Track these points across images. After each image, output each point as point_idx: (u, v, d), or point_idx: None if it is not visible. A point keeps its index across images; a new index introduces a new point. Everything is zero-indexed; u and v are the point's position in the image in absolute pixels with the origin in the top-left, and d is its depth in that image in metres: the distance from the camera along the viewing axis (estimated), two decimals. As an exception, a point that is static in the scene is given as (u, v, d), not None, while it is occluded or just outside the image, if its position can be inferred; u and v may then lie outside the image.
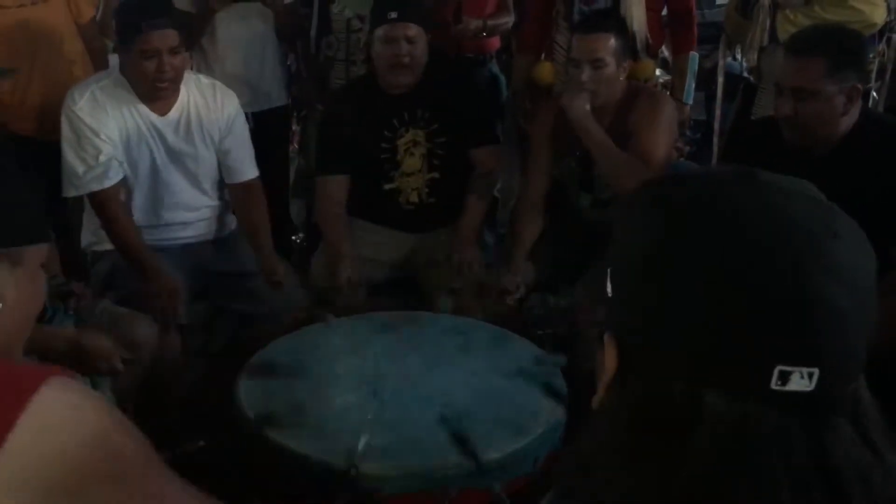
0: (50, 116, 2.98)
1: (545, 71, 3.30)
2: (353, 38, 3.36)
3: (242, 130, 2.91)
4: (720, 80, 3.99)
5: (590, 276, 2.64)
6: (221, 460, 2.20)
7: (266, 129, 3.33)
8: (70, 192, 2.71)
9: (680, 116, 3.14)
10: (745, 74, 3.60)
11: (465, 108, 3.03)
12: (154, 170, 2.78)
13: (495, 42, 3.61)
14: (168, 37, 2.57)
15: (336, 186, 3.03)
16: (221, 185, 2.93)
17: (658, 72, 3.58)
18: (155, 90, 2.66)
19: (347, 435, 1.92)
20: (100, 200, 2.68)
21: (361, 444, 1.85)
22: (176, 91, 2.73)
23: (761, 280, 0.67)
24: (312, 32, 3.45)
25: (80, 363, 2.12)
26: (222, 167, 2.89)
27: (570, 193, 2.97)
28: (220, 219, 2.98)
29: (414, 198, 3.08)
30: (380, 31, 2.88)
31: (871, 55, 3.21)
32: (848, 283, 0.68)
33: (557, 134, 2.89)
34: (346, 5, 3.33)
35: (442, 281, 2.94)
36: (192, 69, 3.10)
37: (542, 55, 3.39)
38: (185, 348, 2.70)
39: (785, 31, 3.10)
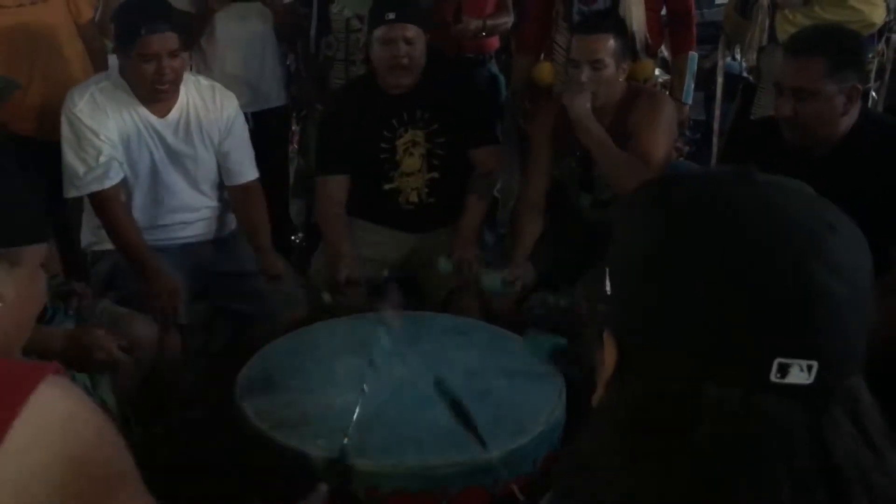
0: (50, 116, 2.98)
1: (545, 71, 3.30)
2: (353, 38, 3.36)
3: (242, 132, 2.91)
4: (719, 80, 3.99)
5: (590, 276, 2.65)
6: (221, 460, 2.20)
7: (265, 129, 3.34)
8: (71, 193, 2.71)
9: (679, 116, 3.14)
10: (745, 74, 3.61)
11: (465, 108, 3.02)
12: (153, 171, 2.78)
13: (495, 42, 3.61)
14: (167, 40, 2.57)
15: (336, 186, 3.03)
16: (221, 186, 2.93)
17: (657, 72, 3.58)
18: (154, 93, 2.66)
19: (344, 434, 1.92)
20: (100, 201, 2.68)
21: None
22: (176, 93, 2.73)
23: (762, 279, 0.68)
24: (312, 32, 3.45)
25: (78, 359, 2.12)
26: (222, 169, 2.89)
27: (570, 193, 2.97)
28: (220, 219, 2.98)
29: (413, 198, 3.08)
30: (378, 32, 2.88)
31: (870, 55, 3.21)
32: (846, 277, 0.69)
33: (557, 134, 2.89)
34: (345, 5, 3.33)
35: (441, 281, 2.95)
36: (191, 69, 3.11)
37: (542, 55, 3.40)
38: (185, 348, 2.70)
39: (784, 30, 3.10)
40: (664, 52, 3.55)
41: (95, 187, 2.66)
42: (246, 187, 2.91)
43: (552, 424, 2.01)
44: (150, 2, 2.70)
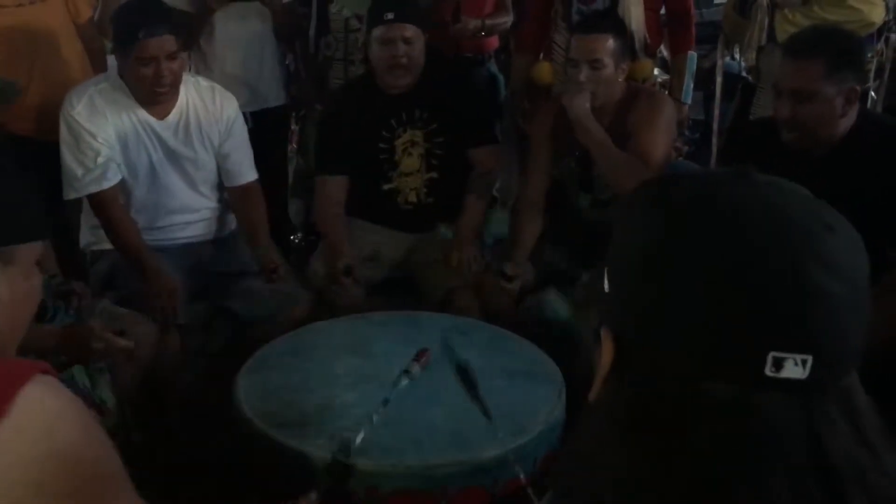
0: (48, 116, 2.98)
1: (544, 71, 3.30)
2: (352, 38, 3.36)
3: (242, 134, 2.91)
4: (719, 79, 3.99)
5: (589, 275, 2.65)
6: (221, 460, 2.20)
7: (264, 128, 3.34)
8: (70, 195, 2.72)
9: (678, 116, 3.14)
10: (744, 74, 3.61)
11: (464, 108, 3.02)
12: (152, 172, 2.78)
13: (494, 42, 3.61)
14: (165, 43, 2.57)
15: (335, 187, 3.03)
16: (220, 186, 2.93)
17: (656, 71, 3.58)
18: (153, 95, 2.66)
19: (346, 434, 1.92)
20: (99, 202, 2.69)
21: (359, 439, 1.85)
22: (175, 95, 2.73)
23: (760, 278, 0.68)
24: (311, 32, 3.45)
25: (76, 352, 2.13)
26: (221, 171, 2.89)
27: (569, 193, 2.97)
28: (220, 219, 2.98)
29: (412, 198, 3.08)
30: (377, 32, 2.88)
31: (869, 55, 3.21)
32: (843, 275, 0.69)
33: (557, 134, 2.89)
34: (344, 5, 3.33)
35: (440, 280, 2.95)
36: (190, 69, 3.11)
37: (541, 55, 3.40)
38: (184, 348, 2.70)
39: (783, 30, 3.10)
40: (663, 51, 3.55)
41: (93, 189, 2.67)
42: (245, 188, 2.91)
43: (551, 424, 2.01)
44: (148, 4, 2.70)
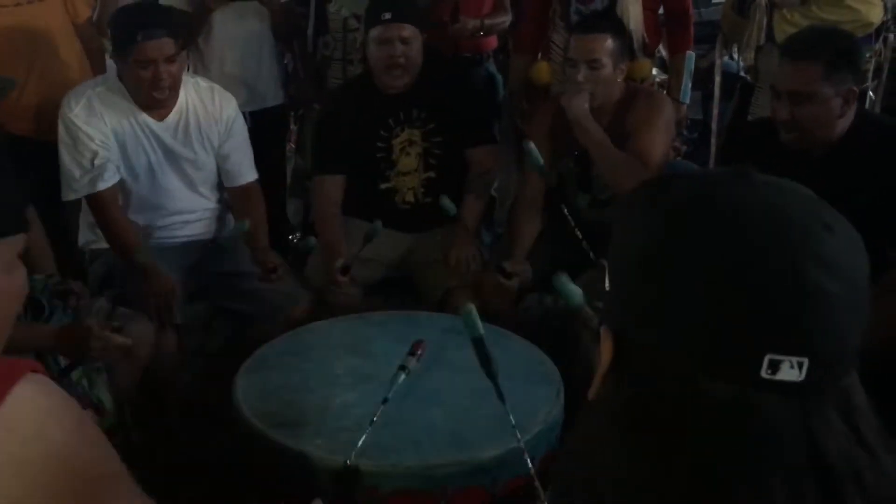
0: (46, 116, 2.98)
1: (542, 71, 3.30)
2: (350, 38, 3.36)
3: (242, 134, 2.91)
4: (717, 79, 3.99)
5: (588, 276, 2.65)
6: (220, 460, 2.20)
7: (263, 128, 3.34)
8: (69, 196, 2.73)
9: (677, 116, 3.14)
10: (742, 74, 3.61)
11: (462, 107, 3.03)
12: (151, 173, 2.78)
13: (492, 41, 3.61)
14: (164, 45, 2.57)
15: (332, 186, 3.03)
16: (220, 187, 2.94)
17: (655, 71, 3.58)
18: (152, 98, 2.66)
19: (346, 434, 1.92)
20: (97, 202, 2.70)
21: (360, 441, 1.85)
22: (174, 97, 2.73)
23: (758, 278, 0.68)
24: (309, 32, 3.45)
25: (73, 352, 2.12)
26: (221, 171, 2.90)
27: (568, 193, 2.97)
28: (220, 219, 2.98)
29: (410, 197, 3.08)
30: (374, 33, 2.87)
31: (867, 55, 3.21)
32: (841, 276, 0.69)
33: (555, 134, 2.89)
34: (342, 4, 3.33)
35: (439, 280, 2.95)
36: (188, 69, 3.11)
37: (539, 55, 3.40)
38: (182, 348, 2.70)
39: (782, 30, 3.10)
40: (662, 51, 3.56)
41: (91, 189, 2.68)
42: (245, 188, 2.91)
43: (550, 424, 2.01)
44: (147, 7, 2.71)
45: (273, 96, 3.50)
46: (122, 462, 1.02)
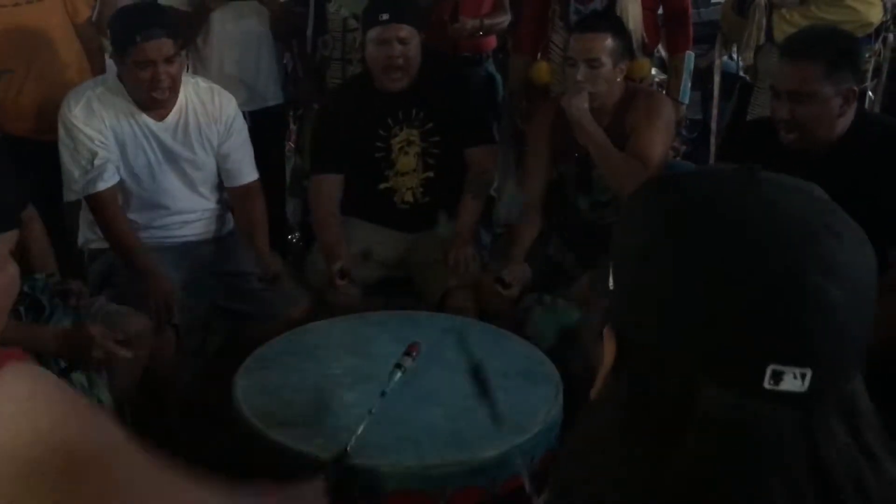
0: (46, 116, 2.98)
1: (542, 71, 3.30)
2: (350, 38, 3.36)
3: (242, 133, 2.91)
4: (716, 79, 3.99)
5: (589, 276, 2.64)
6: (219, 460, 2.20)
7: (262, 128, 3.34)
8: (70, 197, 2.74)
9: (676, 116, 3.14)
10: (741, 73, 3.61)
11: (460, 107, 3.03)
12: (150, 174, 2.78)
13: (492, 41, 3.61)
14: (163, 46, 2.57)
15: (330, 185, 3.02)
16: (220, 187, 2.94)
17: (654, 71, 3.58)
18: (151, 99, 2.67)
19: (345, 433, 1.92)
20: (96, 202, 2.70)
21: (360, 429, 1.85)
22: (174, 97, 2.73)
23: (759, 283, 0.67)
24: (309, 31, 3.44)
25: (75, 357, 2.12)
26: (221, 171, 2.90)
27: (568, 194, 2.98)
28: (220, 219, 2.98)
29: (409, 197, 3.08)
30: (372, 33, 2.87)
31: (867, 55, 3.21)
32: (846, 285, 0.68)
33: (555, 134, 2.89)
34: (342, 4, 3.33)
35: (438, 280, 2.95)
36: (187, 69, 3.11)
37: (539, 55, 3.40)
38: (181, 347, 2.70)
39: (781, 30, 3.11)
40: (661, 51, 3.56)
41: (91, 190, 2.68)
42: (246, 188, 2.91)
43: (549, 423, 2.00)
44: (146, 8, 2.71)
45: (272, 96, 3.50)
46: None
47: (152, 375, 2.52)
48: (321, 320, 2.58)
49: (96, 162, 2.65)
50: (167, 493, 1.02)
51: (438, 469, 1.86)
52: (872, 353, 0.71)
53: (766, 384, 0.67)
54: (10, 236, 1.13)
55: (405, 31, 2.84)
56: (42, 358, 2.13)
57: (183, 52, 2.87)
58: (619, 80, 2.79)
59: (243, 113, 3.04)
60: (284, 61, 3.65)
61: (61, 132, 2.68)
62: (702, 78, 4.19)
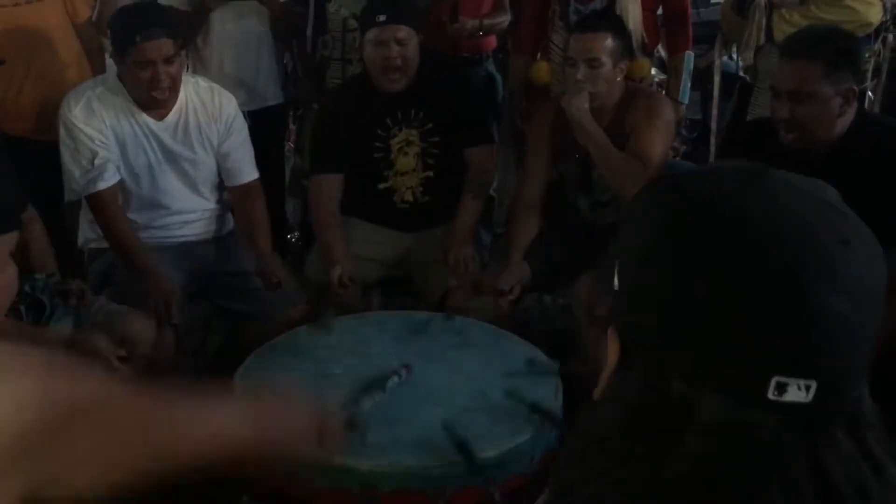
0: (45, 116, 2.99)
1: (542, 71, 3.30)
2: (350, 38, 3.36)
3: (242, 133, 2.91)
4: (716, 79, 3.99)
5: (588, 276, 2.64)
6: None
7: (262, 127, 3.34)
8: (71, 197, 2.75)
9: (676, 116, 3.14)
10: (741, 74, 3.61)
11: (460, 107, 3.02)
12: (150, 173, 2.78)
13: (492, 41, 3.61)
14: (163, 46, 2.57)
15: (330, 185, 3.02)
16: (220, 187, 2.94)
17: (654, 71, 3.58)
18: (151, 98, 2.67)
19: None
20: (96, 202, 2.70)
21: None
22: (174, 97, 2.73)
23: (762, 291, 0.66)
24: (309, 31, 3.44)
25: None
26: (222, 170, 2.90)
27: (568, 194, 2.98)
28: (220, 219, 2.98)
29: (408, 197, 3.08)
30: (370, 35, 2.87)
31: (866, 55, 3.22)
32: (854, 296, 0.66)
33: (555, 134, 2.89)
34: (342, 4, 3.33)
35: (438, 280, 2.95)
36: (187, 69, 3.11)
37: (539, 55, 3.40)
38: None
39: (781, 30, 3.11)
40: (660, 51, 3.56)
41: (91, 189, 2.68)
42: (246, 187, 2.91)
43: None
44: (145, 8, 2.71)
45: (272, 96, 3.50)
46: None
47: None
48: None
49: (97, 162, 2.65)
50: (164, 425, 1.01)
51: (438, 469, 1.86)
52: (873, 353, 0.71)
53: (770, 395, 0.66)
54: (10, 238, 1.13)
55: (403, 32, 2.84)
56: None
57: (183, 52, 2.87)
58: (619, 80, 2.79)
59: (243, 113, 3.04)
60: (284, 61, 3.65)
61: (62, 132, 2.68)
62: (702, 78, 4.19)
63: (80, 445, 0.88)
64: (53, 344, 2.13)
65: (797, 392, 0.66)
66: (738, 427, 0.67)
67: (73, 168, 2.68)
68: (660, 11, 3.32)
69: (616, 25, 2.86)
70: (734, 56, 4.21)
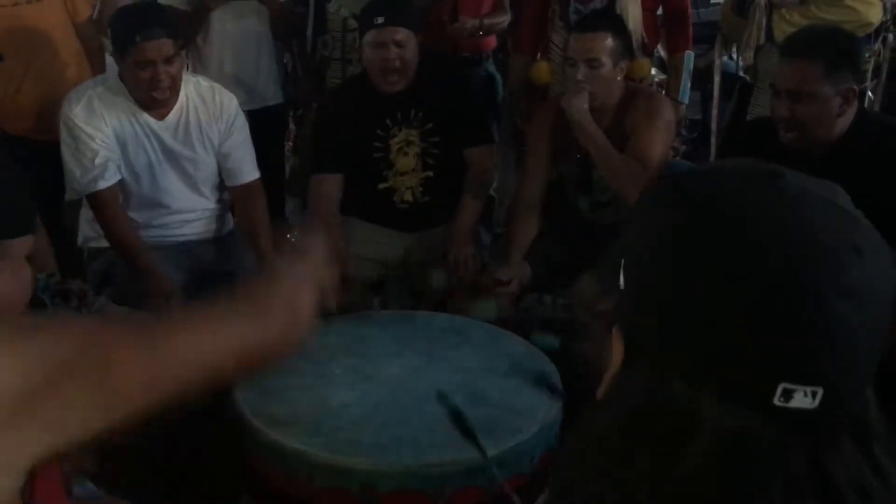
0: (45, 116, 2.99)
1: (542, 71, 3.30)
2: (350, 38, 3.36)
3: (243, 132, 2.90)
4: (716, 79, 4.00)
5: (587, 276, 2.64)
6: (218, 459, 2.20)
7: (261, 127, 3.33)
8: (72, 196, 2.75)
9: (676, 116, 3.14)
10: (741, 74, 3.61)
11: (460, 107, 3.02)
12: (151, 173, 2.79)
13: (492, 41, 3.61)
14: (163, 46, 2.57)
15: (330, 185, 3.02)
16: (221, 187, 2.94)
17: (654, 71, 3.58)
18: (151, 98, 2.67)
19: (345, 433, 1.92)
20: (97, 201, 2.70)
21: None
22: (175, 97, 2.73)
23: (760, 283, 0.65)
24: (309, 31, 3.44)
25: None
26: (222, 170, 2.90)
27: (568, 194, 2.98)
28: (220, 219, 2.98)
29: (408, 196, 3.08)
30: (368, 37, 2.87)
31: (866, 55, 3.22)
32: (860, 300, 0.65)
33: (556, 134, 2.89)
34: (342, 4, 3.33)
35: (438, 280, 2.94)
36: (188, 69, 3.11)
37: (539, 55, 3.39)
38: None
39: (781, 30, 3.11)
40: (660, 51, 3.56)
41: (91, 188, 2.68)
42: (247, 187, 2.91)
43: (548, 423, 2.00)
44: (146, 8, 2.71)
45: (272, 96, 3.50)
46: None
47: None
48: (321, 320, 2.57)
49: (97, 161, 2.65)
50: (167, 352, 0.97)
51: (438, 469, 1.86)
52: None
53: (777, 401, 0.65)
54: (26, 240, 1.14)
55: (401, 34, 2.84)
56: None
57: (183, 52, 2.87)
58: (619, 79, 2.79)
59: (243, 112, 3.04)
60: (284, 61, 3.65)
61: (63, 132, 2.68)
62: (702, 78, 4.19)
63: (80, 396, 0.87)
64: None
65: (803, 399, 0.65)
66: (743, 432, 0.67)
67: (74, 167, 2.68)
68: (660, 11, 3.32)
69: (616, 25, 2.86)
70: (734, 56, 4.21)
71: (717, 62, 4.02)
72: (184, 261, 2.82)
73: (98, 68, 3.23)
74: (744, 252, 0.67)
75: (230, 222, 3.00)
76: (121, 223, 2.71)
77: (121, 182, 2.73)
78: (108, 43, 3.12)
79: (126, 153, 2.73)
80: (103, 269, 2.80)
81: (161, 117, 2.74)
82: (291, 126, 3.96)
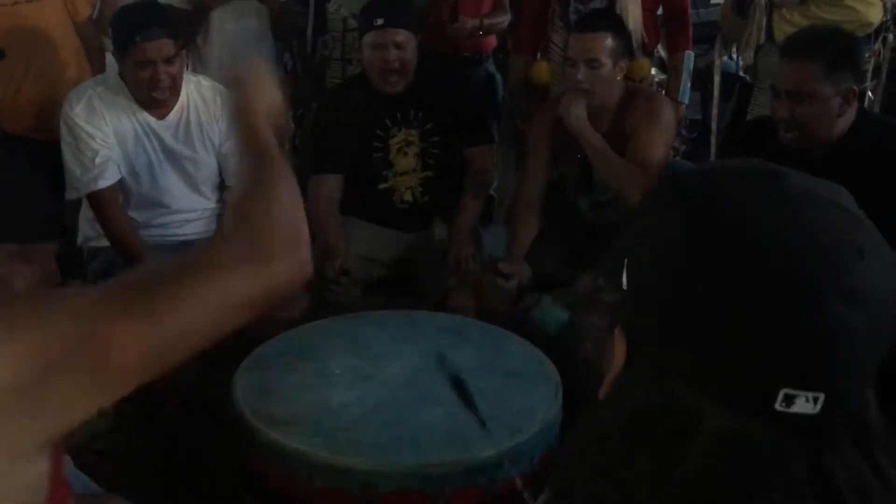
0: (45, 115, 2.99)
1: (542, 71, 3.30)
2: (350, 38, 3.36)
3: None
4: (716, 79, 4.00)
5: (587, 276, 2.64)
6: (218, 459, 2.20)
7: (262, 127, 3.33)
8: (72, 195, 2.75)
9: (676, 116, 3.14)
10: (741, 74, 3.61)
11: (459, 107, 3.02)
12: (151, 172, 2.79)
13: (492, 41, 3.61)
14: (163, 46, 2.58)
15: (329, 185, 3.02)
16: (221, 186, 2.94)
17: (654, 71, 3.58)
18: (152, 98, 2.67)
19: (344, 433, 1.92)
20: (97, 201, 2.70)
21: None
22: (175, 97, 2.73)
23: (760, 283, 0.65)
24: (309, 31, 3.44)
25: None
26: (223, 170, 2.90)
27: (568, 194, 2.98)
28: (220, 218, 2.98)
29: (408, 197, 3.08)
30: (367, 38, 2.87)
31: (866, 55, 3.22)
32: (862, 303, 0.65)
33: (556, 135, 2.89)
34: (342, 4, 3.33)
35: (438, 280, 2.94)
36: (188, 68, 3.11)
37: (539, 55, 3.39)
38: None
39: (781, 30, 3.11)
40: (660, 51, 3.56)
41: (92, 188, 2.68)
42: None
43: (549, 423, 2.00)
44: (146, 8, 2.71)
45: (272, 95, 3.49)
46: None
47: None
48: (321, 320, 2.58)
49: (98, 160, 2.66)
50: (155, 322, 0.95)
51: (437, 469, 1.86)
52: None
53: (778, 406, 0.65)
54: (54, 246, 1.14)
55: (401, 35, 2.84)
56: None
57: (183, 52, 2.87)
58: (619, 79, 2.79)
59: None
60: (284, 61, 3.64)
61: (63, 131, 2.68)
62: (702, 78, 4.19)
63: (83, 377, 0.86)
64: None
65: (805, 404, 0.65)
66: (742, 437, 0.67)
67: (74, 167, 2.68)
68: (660, 11, 3.32)
69: (616, 25, 2.86)
70: (734, 56, 4.21)
71: (717, 62, 4.02)
72: (184, 261, 2.81)
73: (98, 68, 3.23)
74: (744, 252, 0.66)
75: (230, 222, 3.00)
76: (121, 222, 2.72)
77: (121, 181, 2.74)
78: (108, 42, 3.11)
79: (126, 153, 2.73)
80: (103, 268, 2.80)
81: (161, 117, 2.74)
82: (291, 126, 3.96)
